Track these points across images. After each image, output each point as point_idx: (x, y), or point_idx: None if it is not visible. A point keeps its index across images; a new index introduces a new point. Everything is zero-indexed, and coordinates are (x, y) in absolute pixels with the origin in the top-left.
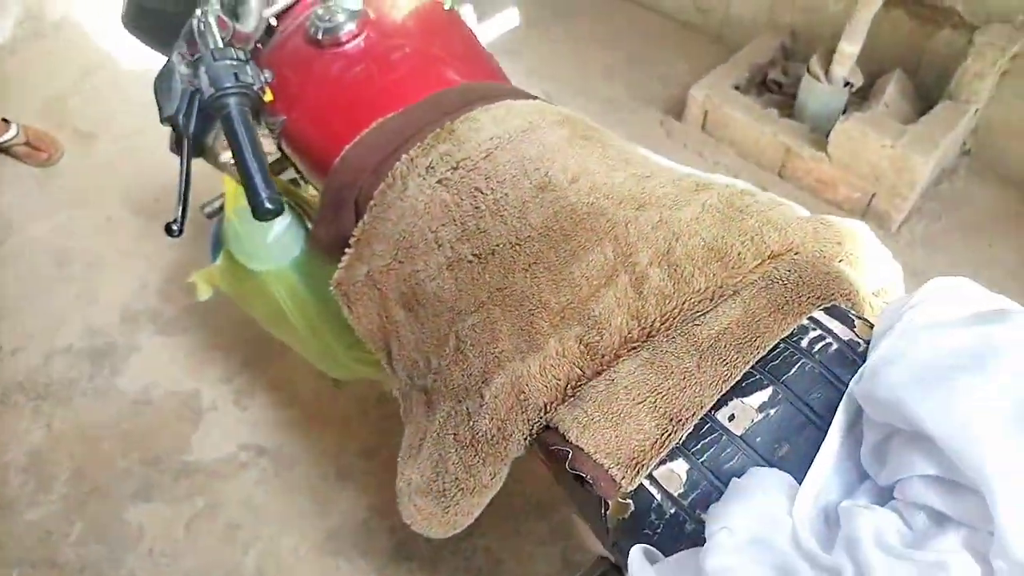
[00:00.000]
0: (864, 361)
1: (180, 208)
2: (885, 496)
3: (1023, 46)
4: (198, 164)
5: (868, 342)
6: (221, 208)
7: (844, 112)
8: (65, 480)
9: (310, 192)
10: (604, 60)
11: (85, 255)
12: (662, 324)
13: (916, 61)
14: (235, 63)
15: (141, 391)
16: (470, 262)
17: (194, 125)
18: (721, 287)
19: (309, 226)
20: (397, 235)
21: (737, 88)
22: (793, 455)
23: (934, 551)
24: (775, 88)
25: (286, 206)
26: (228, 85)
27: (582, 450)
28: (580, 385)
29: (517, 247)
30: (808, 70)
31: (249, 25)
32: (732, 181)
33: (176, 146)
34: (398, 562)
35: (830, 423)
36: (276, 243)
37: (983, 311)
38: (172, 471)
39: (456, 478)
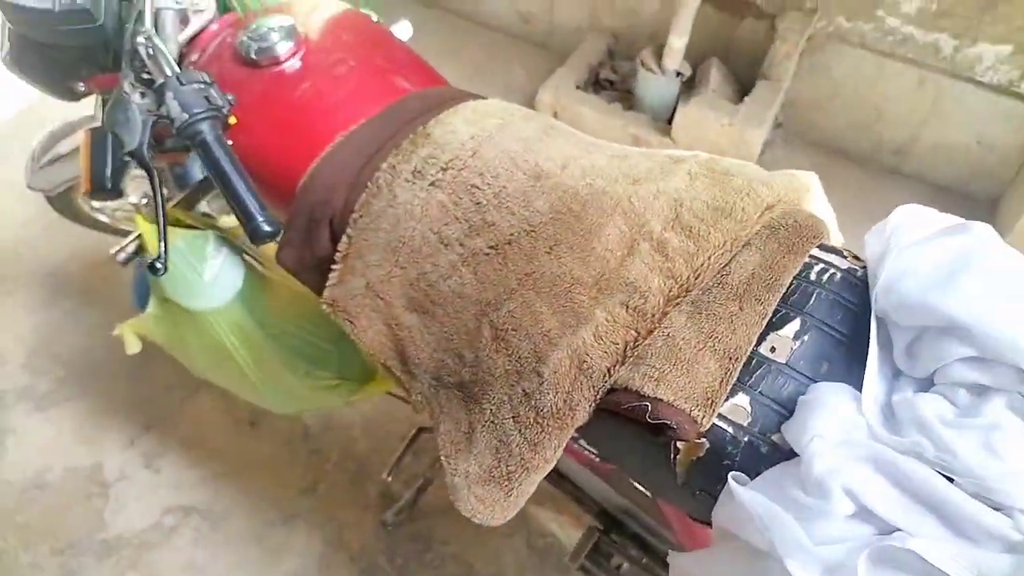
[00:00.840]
0: (864, 283)
1: (162, 243)
2: (921, 387)
3: (815, 28)
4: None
5: (863, 268)
6: (137, 252)
7: (678, 100)
8: None
9: (227, 222)
10: (451, 73)
11: None
12: (696, 279)
13: (726, 49)
14: (203, 87)
15: (32, 477)
16: (487, 255)
17: (114, 168)
18: (735, 239)
19: (245, 257)
20: (394, 242)
21: (578, 87)
22: (835, 370)
23: (986, 417)
24: (607, 85)
25: (216, 238)
26: (199, 110)
27: (660, 400)
28: (637, 345)
29: (532, 233)
30: (642, 65)
31: (171, 52)
32: (692, 152)
33: (97, 195)
34: None
35: (855, 338)
36: (214, 281)
37: (946, 227)
38: (92, 553)
39: (521, 458)
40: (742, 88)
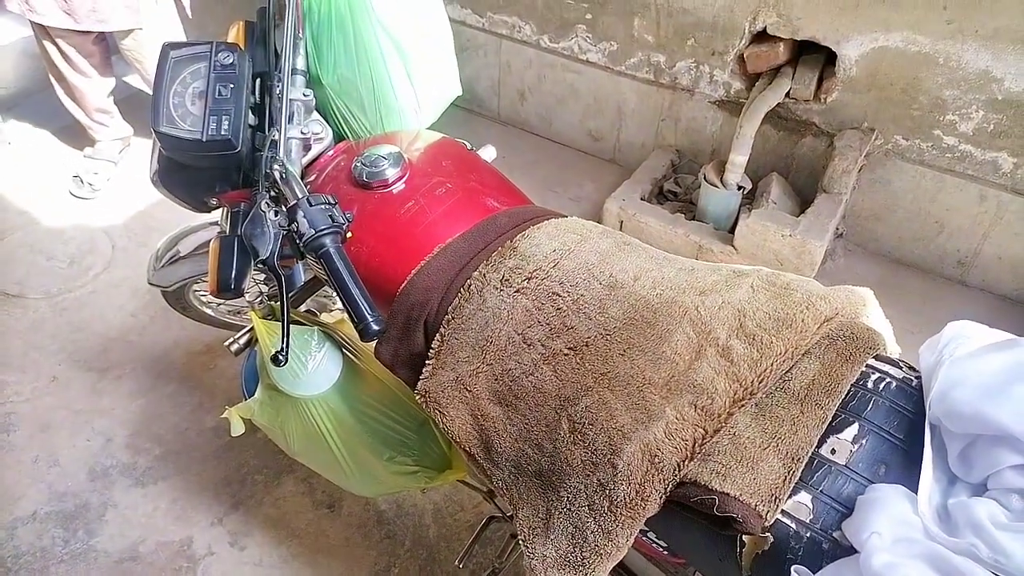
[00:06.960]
0: (919, 392)
1: (284, 340)
2: (976, 491)
3: (872, 146)
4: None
5: (918, 378)
6: (248, 344)
7: (739, 211)
8: None
9: (328, 319)
10: (527, 184)
11: (33, 419)
12: (759, 383)
13: (787, 164)
14: (327, 207)
15: (127, 548)
16: (566, 355)
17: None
18: (796, 348)
19: (344, 352)
20: (483, 341)
21: (643, 199)
22: (892, 472)
23: None
24: (671, 197)
25: (320, 333)
26: (324, 227)
27: (727, 495)
28: (704, 443)
29: (608, 337)
30: (705, 179)
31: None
32: (754, 267)
33: (222, 295)
34: None
35: (911, 443)
36: (317, 371)
37: (998, 342)
38: None
39: (596, 545)
40: (803, 200)
